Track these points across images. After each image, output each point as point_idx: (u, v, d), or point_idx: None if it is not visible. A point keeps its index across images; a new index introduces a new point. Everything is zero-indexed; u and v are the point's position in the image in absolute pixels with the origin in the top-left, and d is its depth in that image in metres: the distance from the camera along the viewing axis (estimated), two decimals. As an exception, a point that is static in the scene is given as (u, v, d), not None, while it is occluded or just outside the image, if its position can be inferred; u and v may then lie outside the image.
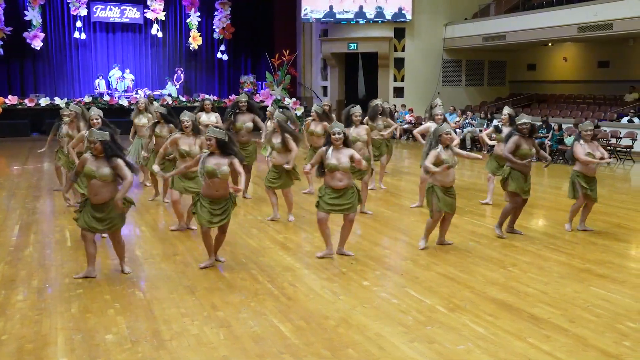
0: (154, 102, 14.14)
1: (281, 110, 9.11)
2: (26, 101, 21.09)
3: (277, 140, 8.35)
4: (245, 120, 9.84)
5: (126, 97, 22.11)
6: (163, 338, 4.88)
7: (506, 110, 9.57)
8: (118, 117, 19.12)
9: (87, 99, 21.73)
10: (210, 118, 10.23)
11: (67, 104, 20.50)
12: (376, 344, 4.79)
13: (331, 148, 6.72)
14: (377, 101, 10.68)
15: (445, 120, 9.20)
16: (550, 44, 22.49)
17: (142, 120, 10.80)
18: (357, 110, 8.98)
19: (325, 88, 25.36)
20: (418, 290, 6.03)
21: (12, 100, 20.95)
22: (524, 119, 7.78)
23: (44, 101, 21.10)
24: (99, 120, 8.01)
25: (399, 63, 23.23)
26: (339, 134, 6.67)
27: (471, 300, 5.77)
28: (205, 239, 6.62)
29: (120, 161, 6.00)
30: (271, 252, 7.35)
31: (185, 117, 7.82)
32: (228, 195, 6.52)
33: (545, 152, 15.45)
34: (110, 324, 5.16)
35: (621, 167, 14.92)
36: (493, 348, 4.73)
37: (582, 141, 8.04)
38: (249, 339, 4.87)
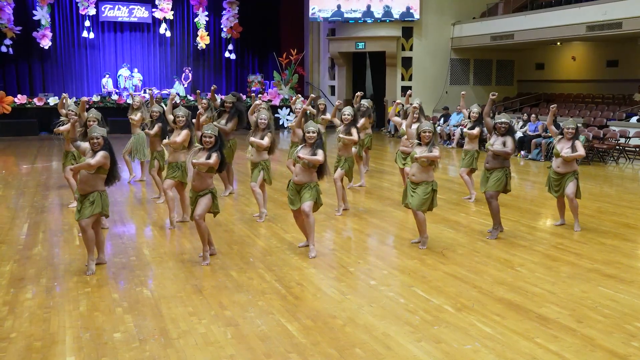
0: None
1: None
2: (35, 100, 21.19)
3: (256, 137, 8.53)
4: (227, 119, 10.12)
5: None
6: (170, 337, 4.90)
7: (475, 108, 10.23)
8: (126, 116, 19.11)
9: (95, 98, 21.83)
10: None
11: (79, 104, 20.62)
12: (383, 344, 4.79)
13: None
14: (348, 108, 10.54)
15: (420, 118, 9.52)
16: (558, 43, 22.40)
17: (136, 117, 11.47)
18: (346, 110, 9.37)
19: (332, 87, 25.36)
20: (425, 290, 6.02)
21: (21, 99, 21.04)
22: (502, 118, 7.93)
23: (52, 100, 21.17)
24: (97, 121, 8.28)
25: (407, 62, 23.20)
26: (312, 132, 6.99)
27: (478, 300, 5.76)
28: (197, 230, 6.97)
29: (101, 152, 6.36)
30: (278, 251, 7.36)
31: (180, 112, 8.32)
32: (204, 188, 6.75)
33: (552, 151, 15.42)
34: (118, 322, 5.19)
35: (630, 167, 14.84)
36: (500, 348, 4.72)
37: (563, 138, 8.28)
38: (256, 338, 4.87)
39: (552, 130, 8.50)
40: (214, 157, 6.64)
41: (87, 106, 12.74)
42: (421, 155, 7.05)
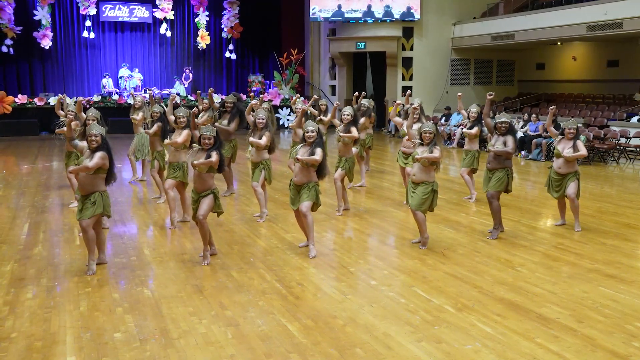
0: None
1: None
2: (35, 100, 21.19)
3: (255, 137, 8.55)
4: (225, 119, 10.24)
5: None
6: (171, 337, 4.90)
7: (473, 108, 10.29)
8: (127, 116, 19.14)
9: (96, 98, 21.83)
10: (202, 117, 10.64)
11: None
12: (384, 344, 4.79)
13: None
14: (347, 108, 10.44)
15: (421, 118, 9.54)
16: (559, 43, 22.39)
17: (138, 116, 11.44)
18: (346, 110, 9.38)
19: (333, 87, 25.36)
20: (426, 290, 6.02)
21: (21, 99, 21.05)
22: (502, 118, 7.91)
23: (53, 100, 21.15)
24: (96, 120, 8.37)
25: (407, 62, 23.19)
26: (311, 132, 7.03)
27: (479, 300, 5.76)
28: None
29: (99, 153, 6.34)
30: (279, 251, 7.36)
31: (181, 113, 8.33)
32: (206, 189, 6.75)
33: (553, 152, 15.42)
34: (119, 322, 5.19)
35: (630, 167, 14.84)
36: (501, 348, 4.72)
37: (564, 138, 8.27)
38: (256, 338, 4.88)
39: (551, 132, 8.49)
40: (214, 155, 6.65)
41: (88, 106, 12.89)
42: (422, 156, 7.05)
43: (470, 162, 10.18)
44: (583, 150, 8.06)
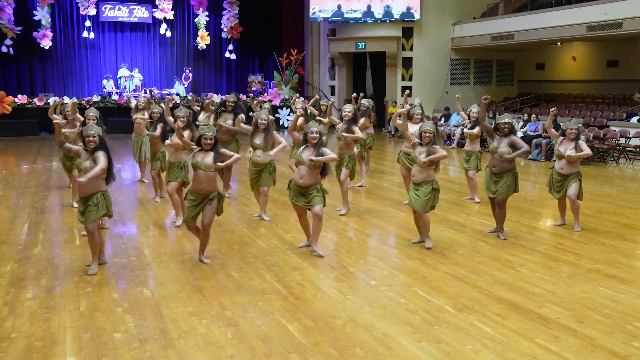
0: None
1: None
2: (35, 100, 21.19)
3: (259, 139, 8.46)
4: (227, 118, 10.15)
5: (134, 97, 22.13)
6: (171, 337, 4.90)
7: (474, 108, 10.39)
8: (127, 116, 19.12)
9: (95, 98, 21.83)
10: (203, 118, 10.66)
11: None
12: (383, 344, 4.79)
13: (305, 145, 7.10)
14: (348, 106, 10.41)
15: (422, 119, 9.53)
16: (559, 44, 22.41)
17: (145, 116, 11.32)
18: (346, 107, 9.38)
19: (333, 87, 25.37)
20: (426, 290, 6.02)
21: (21, 99, 21.05)
22: (505, 118, 7.84)
23: (53, 100, 21.16)
24: (95, 120, 8.34)
25: (407, 62, 23.21)
26: (315, 132, 6.95)
27: (479, 300, 5.76)
28: (190, 231, 7.00)
29: (102, 152, 6.32)
30: (279, 251, 7.36)
31: (181, 112, 8.23)
32: (212, 191, 6.66)
33: (554, 152, 15.42)
34: (119, 322, 5.19)
35: (630, 167, 14.85)
36: (501, 348, 4.72)
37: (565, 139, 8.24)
38: (256, 338, 4.87)
39: (551, 133, 8.46)
40: (233, 153, 6.68)
41: (87, 106, 12.88)
42: (427, 159, 7.02)
43: (475, 163, 10.11)
44: (587, 150, 8.05)
